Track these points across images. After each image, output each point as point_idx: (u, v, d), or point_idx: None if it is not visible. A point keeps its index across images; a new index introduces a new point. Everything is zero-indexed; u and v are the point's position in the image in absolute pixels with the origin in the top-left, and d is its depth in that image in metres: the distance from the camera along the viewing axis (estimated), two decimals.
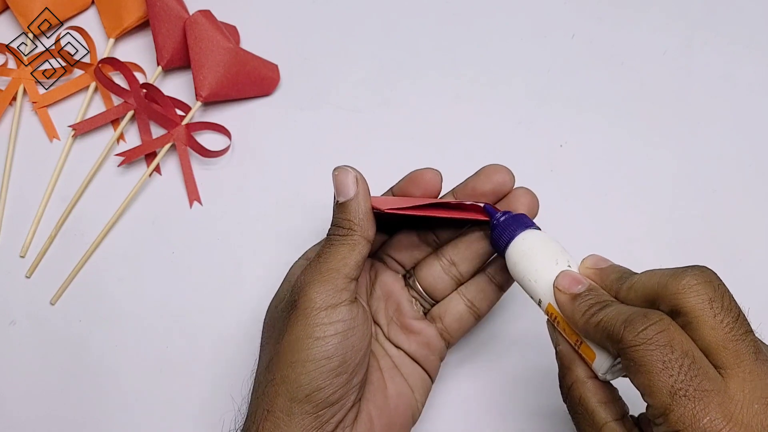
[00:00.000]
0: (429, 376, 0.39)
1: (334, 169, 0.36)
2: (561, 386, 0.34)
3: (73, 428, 0.44)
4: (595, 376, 0.33)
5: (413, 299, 0.40)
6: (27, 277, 0.47)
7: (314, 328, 0.33)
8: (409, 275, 0.41)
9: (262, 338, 0.38)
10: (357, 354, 0.34)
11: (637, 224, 0.47)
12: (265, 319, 0.38)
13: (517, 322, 0.45)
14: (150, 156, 0.49)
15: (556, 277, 0.34)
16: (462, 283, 0.40)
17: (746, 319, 0.29)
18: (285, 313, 0.35)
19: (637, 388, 0.29)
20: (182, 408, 0.44)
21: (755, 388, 0.28)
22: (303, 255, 0.40)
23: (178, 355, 0.45)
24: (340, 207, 0.36)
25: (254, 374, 0.37)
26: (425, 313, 0.40)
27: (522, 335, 0.45)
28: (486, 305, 0.40)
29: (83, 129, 0.49)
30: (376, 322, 0.40)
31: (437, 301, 0.40)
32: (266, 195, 0.49)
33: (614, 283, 0.33)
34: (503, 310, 0.45)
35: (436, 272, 0.39)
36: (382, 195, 0.40)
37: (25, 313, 0.46)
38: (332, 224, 0.36)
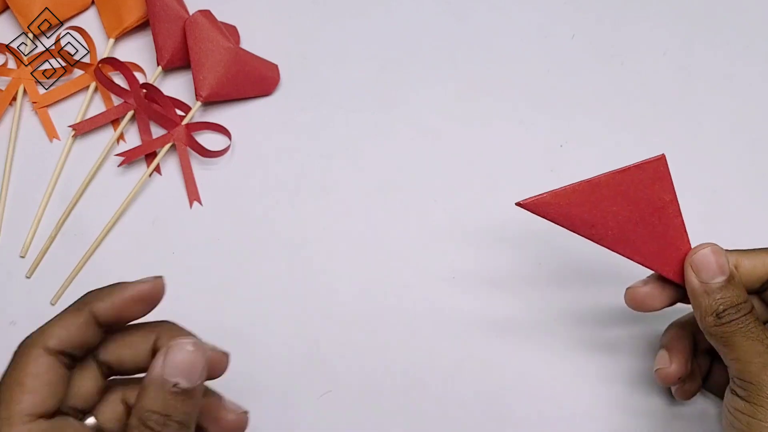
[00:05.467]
0: None
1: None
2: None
3: None
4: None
5: None
6: (27, 277, 0.47)
7: None
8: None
9: None
10: None
11: None
12: None
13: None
14: (150, 156, 0.49)
15: (695, 251, 0.33)
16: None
17: None
18: None
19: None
20: None
21: None
22: None
23: None
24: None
25: None
26: None
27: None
28: None
29: (83, 129, 0.49)
30: None
31: None
32: (266, 195, 0.49)
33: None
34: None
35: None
36: None
37: (25, 313, 0.46)
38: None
